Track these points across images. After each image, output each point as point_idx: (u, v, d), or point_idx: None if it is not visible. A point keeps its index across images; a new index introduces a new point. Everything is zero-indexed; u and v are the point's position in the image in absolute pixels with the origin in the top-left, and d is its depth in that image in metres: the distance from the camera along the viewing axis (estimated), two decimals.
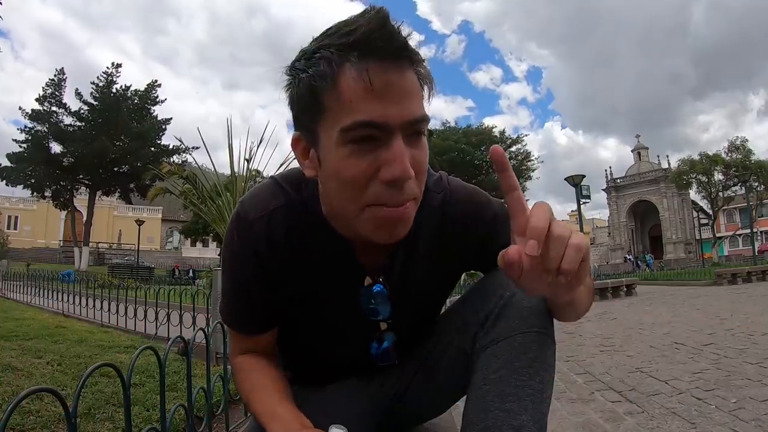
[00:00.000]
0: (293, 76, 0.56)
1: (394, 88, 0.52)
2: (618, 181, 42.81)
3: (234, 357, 0.76)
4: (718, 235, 33.74)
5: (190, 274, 23.66)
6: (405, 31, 0.53)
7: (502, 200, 0.71)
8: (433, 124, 43.27)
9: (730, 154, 29.19)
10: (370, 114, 0.51)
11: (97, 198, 27.74)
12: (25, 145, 24.71)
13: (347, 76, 0.51)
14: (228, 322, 0.75)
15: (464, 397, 0.68)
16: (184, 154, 23.62)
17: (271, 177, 0.71)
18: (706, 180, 29.76)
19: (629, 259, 35.50)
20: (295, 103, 0.57)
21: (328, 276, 0.68)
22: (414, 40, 0.54)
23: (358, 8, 0.63)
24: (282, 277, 0.67)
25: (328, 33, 0.54)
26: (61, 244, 34.81)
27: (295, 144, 0.61)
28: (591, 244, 46.42)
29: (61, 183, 26.29)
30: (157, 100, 27.43)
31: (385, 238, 0.58)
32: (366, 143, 0.53)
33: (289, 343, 0.79)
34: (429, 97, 0.57)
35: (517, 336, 0.64)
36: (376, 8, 0.52)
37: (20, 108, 24.84)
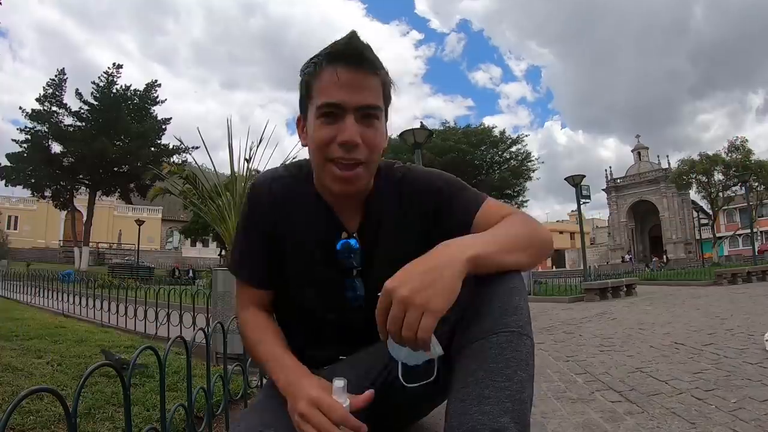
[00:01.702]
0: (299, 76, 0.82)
1: (354, 83, 0.76)
2: (618, 181, 42.81)
3: (243, 310, 0.90)
4: (718, 235, 33.71)
5: (190, 274, 23.60)
6: (369, 47, 0.77)
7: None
8: (433, 124, 43.29)
9: (730, 154, 29.09)
10: (333, 97, 0.76)
11: (97, 198, 27.65)
12: (25, 145, 24.58)
13: (325, 74, 0.77)
14: (235, 269, 0.91)
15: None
16: (184, 154, 23.55)
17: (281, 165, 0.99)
18: (706, 180, 29.68)
19: (630, 259, 35.48)
20: (300, 94, 0.83)
21: (313, 231, 0.86)
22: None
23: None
24: (278, 229, 0.86)
25: (324, 48, 0.78)
26: (61, 244, 34.81)
27: (297, 122, 0.87)
28: (591, 244, 46.40)
29: (61, 183, 26.20)
30: (157, 100, 27.31)
31: (343, 189, 0.80)
32: (330, 117, 0.77)
33: (282, 303, 0.91)
34: (385, 96, 0.81)
35: (491, 337, 0.65)
36: (350, 31, 0.77)
37: (20, 108, 24.69)
